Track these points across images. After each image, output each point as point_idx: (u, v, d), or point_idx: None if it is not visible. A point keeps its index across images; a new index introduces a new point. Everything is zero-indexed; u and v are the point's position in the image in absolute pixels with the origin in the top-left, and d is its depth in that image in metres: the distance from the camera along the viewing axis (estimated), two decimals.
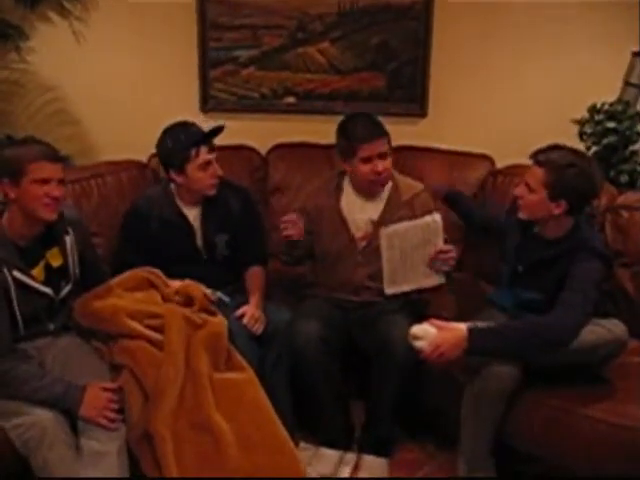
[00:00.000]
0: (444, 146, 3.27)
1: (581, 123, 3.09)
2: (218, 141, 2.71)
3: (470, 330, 2.18)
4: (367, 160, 2.56)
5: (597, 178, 2.24)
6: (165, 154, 2.63)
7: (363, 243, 2.68)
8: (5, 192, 2.08)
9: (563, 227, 2.30)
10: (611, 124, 2.98)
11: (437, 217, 2.55)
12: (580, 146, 2.99)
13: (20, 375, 2.04)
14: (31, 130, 3.44)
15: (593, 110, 3.07)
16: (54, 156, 2.12)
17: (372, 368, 2.54)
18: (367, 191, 2.68)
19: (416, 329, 2.25)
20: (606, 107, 3.04)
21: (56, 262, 2.23)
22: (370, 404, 2.65)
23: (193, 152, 2.56)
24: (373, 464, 2.53)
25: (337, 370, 2.59)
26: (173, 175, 2.63)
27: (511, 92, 3.34)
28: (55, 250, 2.23)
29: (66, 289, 2.27)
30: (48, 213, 2.10)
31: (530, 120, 3.25)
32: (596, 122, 3.04)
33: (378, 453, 2.57)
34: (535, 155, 2.28)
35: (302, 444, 2.57)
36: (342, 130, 2.66)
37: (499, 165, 3.20)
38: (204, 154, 2.59)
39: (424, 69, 3.35)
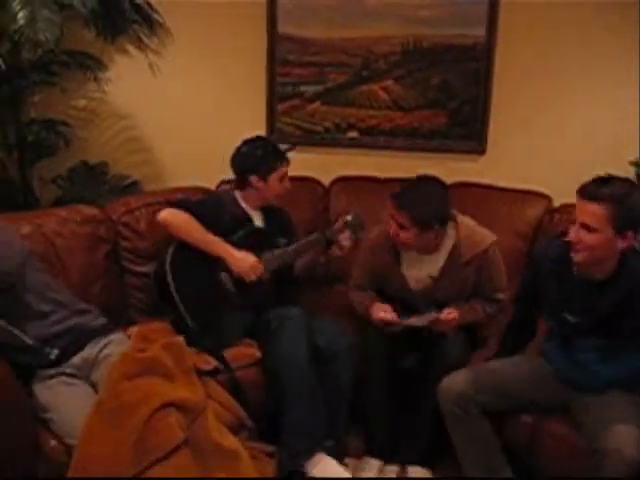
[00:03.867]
0: (502, 183, 3.34)
1: (638, 165, 3.14)
2: None
3: None
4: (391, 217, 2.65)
5: None
6: (252, 162, 2.86)
7: (418, 295, 2.75)
8: None
9: (613, 262, 2.15)
10: None
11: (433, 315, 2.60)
12: None
13: None
14: (105, 156, 3.65)
15: None
16: None
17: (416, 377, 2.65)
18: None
19: None
20: None
21: None
22: (414, 413, 2.69)
23: (279, 164, 2.85)
24: (418, 474, 2.61)
25: (395, 385, 2.70)
26: (254, 181, 2.85)
27: (569, 132, 3.39)
28: None
29: None
30: None
31: (588, 160, 3.24)
32: None
33: (422, 463, 2.64)
34: (584, 192, 2.10)
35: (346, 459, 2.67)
36: None
37: (556, 203, 3.24)
38: (286, 167, 2.90)
39: (484, 108, 3.43)
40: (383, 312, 2.65)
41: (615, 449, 1.98)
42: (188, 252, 2.71)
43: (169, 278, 2.66)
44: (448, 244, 2.69)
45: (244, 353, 2.67)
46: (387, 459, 2.69)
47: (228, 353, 2.62)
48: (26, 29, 2.95)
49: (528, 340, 2.56)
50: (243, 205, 2.93)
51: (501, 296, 2.74)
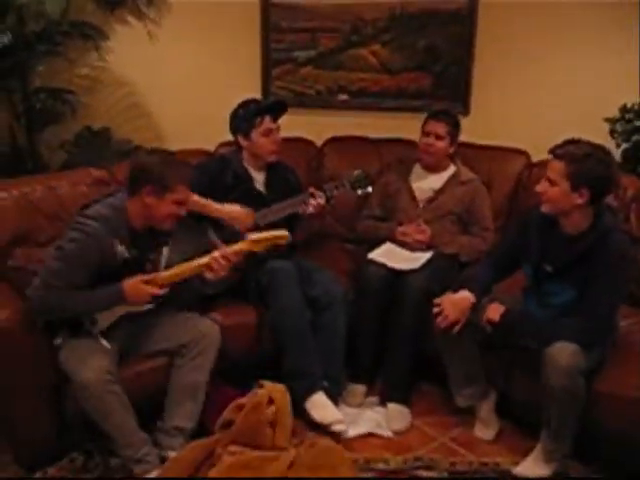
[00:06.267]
0: (485, 142, 3.52)
1: (612, 121, 3.33)
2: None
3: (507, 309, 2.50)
4: (425, 134, 3.19)
5: (614, 166, 2.35)
6: (236, 121, 3.05)
7: (422, 204, 3.21)
8: (143, 197, 2.38)
9: (586, 220, 2.37)
10: None
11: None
12: (611, 143, 3.22)
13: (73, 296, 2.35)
14: (108, 121, 3.81)
15: (624, 109, 3.31)
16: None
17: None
18: (423, 164, 3.26)
19: None
20: (636, 107, 3.28)
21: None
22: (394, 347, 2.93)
23: (258, 120, 2.99)
24: (397, 412, 2.84)
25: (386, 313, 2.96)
26: (240, 139, 3.05)
27: (548, 92, 3.59)
28: (155, 257, 2.54)
29: None
30: (169, 227, 2.47)
31: (565, 118, 3.48)
32: (626, 121, 3.28)
33: (398, 396, 2.87)
34: (553, 150, 2.36)
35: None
36: None
37: (535, 159, 3.43)
38: (267, 122, 3.01)
39: (467, 70, 3.64)
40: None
41: (553, 358, 2.32)
42: None
43: None
44: (451, 169, 3.27)
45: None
46: (370, 384, 2.98)
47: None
48: (33, 2, 3.11)
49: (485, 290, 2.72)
50: (246, 166, 3.09)
51: (489, 224, 3.21)
